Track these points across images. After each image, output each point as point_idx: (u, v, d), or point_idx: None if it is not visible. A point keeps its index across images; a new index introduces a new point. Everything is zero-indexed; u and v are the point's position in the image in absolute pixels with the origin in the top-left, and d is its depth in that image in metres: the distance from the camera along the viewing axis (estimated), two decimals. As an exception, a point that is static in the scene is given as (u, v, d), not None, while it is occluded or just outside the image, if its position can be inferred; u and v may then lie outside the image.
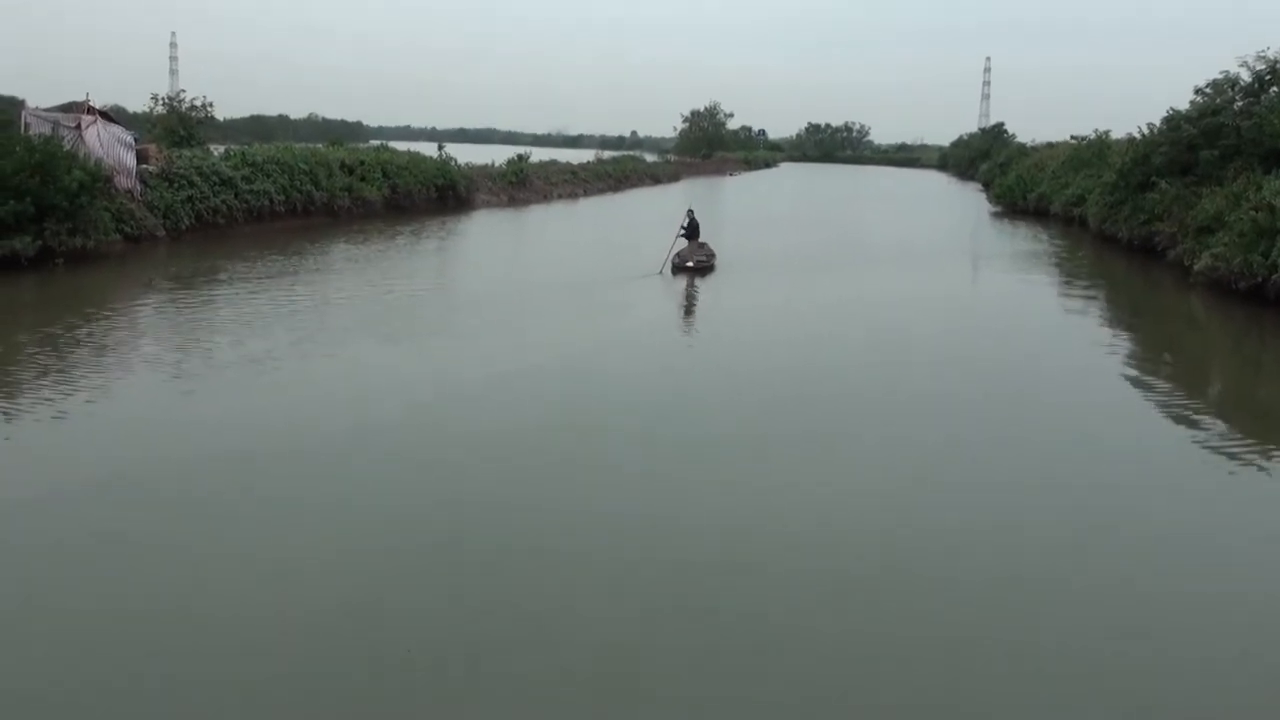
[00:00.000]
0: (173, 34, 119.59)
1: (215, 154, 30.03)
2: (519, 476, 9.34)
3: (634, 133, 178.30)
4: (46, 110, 25.03)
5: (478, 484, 9.12)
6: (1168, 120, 28.55)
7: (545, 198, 48.52)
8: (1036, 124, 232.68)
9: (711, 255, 23.93)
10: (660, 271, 22.74)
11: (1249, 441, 11.13)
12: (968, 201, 60.08)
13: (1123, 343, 17.02)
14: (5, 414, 10.75)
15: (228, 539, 7.71)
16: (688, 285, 21.84)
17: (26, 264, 19.51)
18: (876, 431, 11.08)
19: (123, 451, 9.77)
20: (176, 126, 36.16)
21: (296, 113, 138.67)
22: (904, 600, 7.05)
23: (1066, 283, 24.50)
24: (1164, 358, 16.27)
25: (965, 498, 9.16)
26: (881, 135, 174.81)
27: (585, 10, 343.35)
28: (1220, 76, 27.88)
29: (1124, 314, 20.44)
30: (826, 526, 8.39)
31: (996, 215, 47.28)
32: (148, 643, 6.26)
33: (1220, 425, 11.78)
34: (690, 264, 23.04)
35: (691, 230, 24.08)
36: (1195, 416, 12.12)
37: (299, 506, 8.47)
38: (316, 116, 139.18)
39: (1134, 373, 14.57)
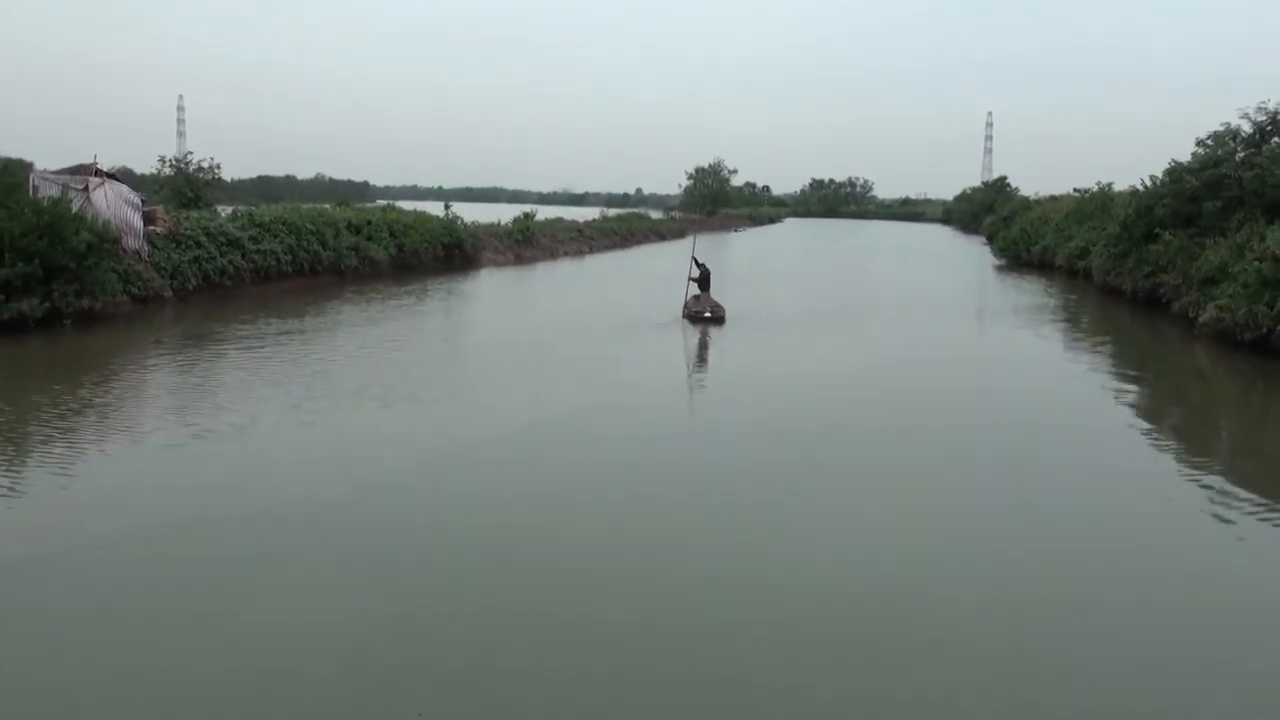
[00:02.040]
0: (180, 96, 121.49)
1: (222, 215, 30.21)
2: (524, 539, 9.24)
3: (639, 190, 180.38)
4: (55, 173, 25.21)
5: (482, 547, 9.04)
6: (1170, 172, 28.71)
7: (552, 255, 48.72)
8: (1039, 177, 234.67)
9: (719, 307, 24.55)
10: (683, 315, 24.00)
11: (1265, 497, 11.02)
12: (972, 255, 60.28)
13: (1131, 396, 16.90)
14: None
15: (221, 604, 7.64)
16: (701, 336, 22.40)
17: (34, 326, 19.57)
18: (891, 492, 10.99)
19: (116, 516, 9.69)
20: (184, 188, 36.32)
21: (303, 173, 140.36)
22: (915, 665, 6.96)
23: (1073, 336, 24.49)
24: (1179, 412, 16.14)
25: (978, 559, 9.07)
26: (885, 190, 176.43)
27: (589, 69, 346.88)
28: (1221, 128, 28.04)
29: (1131, 367, 20.35)
30: (844, 590, 8.28)
31: (1001, 269, 47.40)
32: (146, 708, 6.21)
33: (1235, 481, 11.59)
34: (706, 314, 23.99)
35: (704, 280, 25.01)
36: (1209, 472, 12.01)
37: (295, 571, 8.39)
38: (323, 177, 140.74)
39: (1144, 427, 14.51)
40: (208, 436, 12.35)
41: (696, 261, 25.35)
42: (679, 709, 6.27)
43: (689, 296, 25.03)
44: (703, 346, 21.35)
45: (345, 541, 8.99)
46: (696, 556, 8.83)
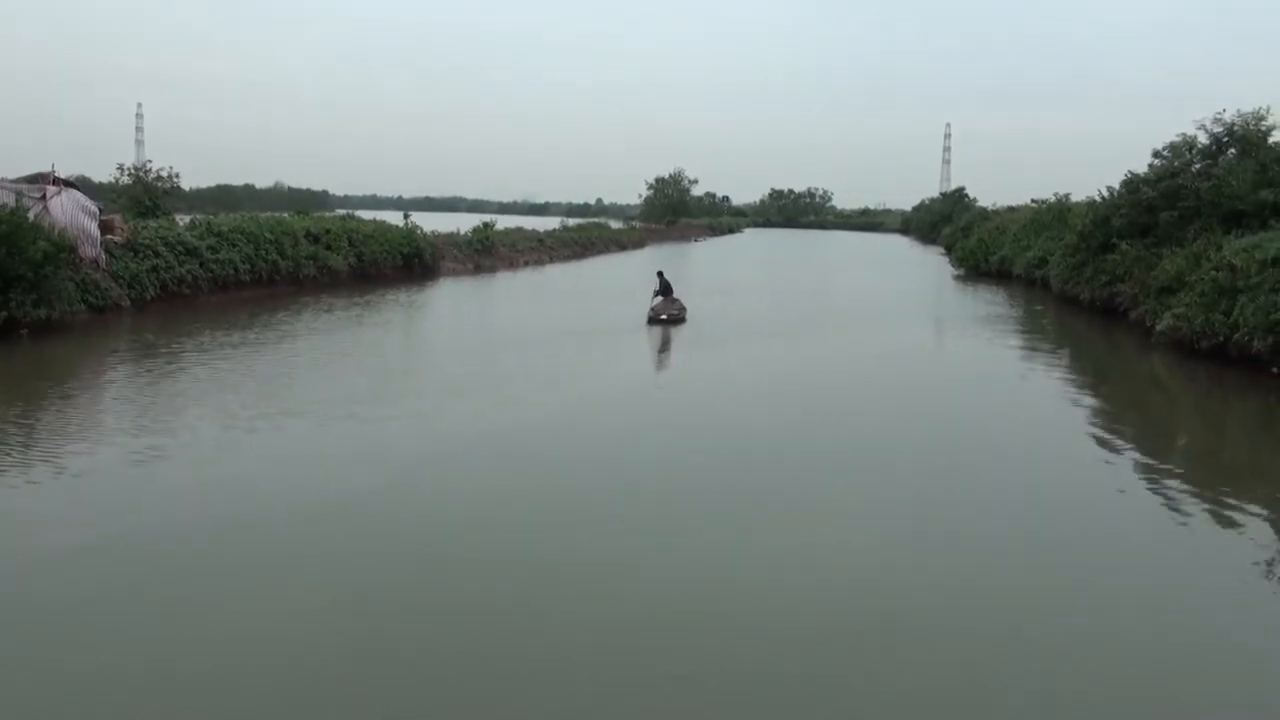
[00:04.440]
0: (139, 105, 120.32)
1: (181, 224, 29.91)
2: (495, 539, 9.18)
3: (599, 200, 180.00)
4: (12, 181, 24.87)
5: (449, 548, 8.98)
6: (1127, 183, 29.06)
7: (512, 265, 48.65)
8: (997, 188, 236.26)
9: (683, 309, 26.44)
10: (648, 322, 25.35)
11: (1224, 501, 11.13)
12: (930, 265, 60.74)
13: (1089, 404, 17.02)
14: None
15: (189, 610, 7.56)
16: (662, 336, 23.84)
17: (-10, 336, 19.29)
18: (851, 492, 11.07)
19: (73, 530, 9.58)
20: (142, 196, 35.90)
21: (263, 182, 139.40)
22: (884, 654, 6.99)
23: (1030, 345, 24.68)
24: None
25: (936, 557, 9.12)
26: (844, 200, 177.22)
27: (550, 80, 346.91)
28: (1178, 139, 28.41)
29: (1089, 376, 20.56)
30: (810, 586, 8.30)
31: (959, 278, 47.76)
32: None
33: (1196, 487, 11.64)
34: (664, 316, 25.70)
35: (665, 288, 26.92)
36: (1169, 478, 12.11)
37: (265, 576, 8.30)
38: (282, 186, 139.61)
39: (1101, 433, 14.61)
40: (144, 454, 11.97)
41: (660, 276, 27.24)
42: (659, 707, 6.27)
43: (654, 302, 26.57)
44: (665, 347, 22.66)
45: (305, 550, 8.90)
46: (682, 557, 8.83)
